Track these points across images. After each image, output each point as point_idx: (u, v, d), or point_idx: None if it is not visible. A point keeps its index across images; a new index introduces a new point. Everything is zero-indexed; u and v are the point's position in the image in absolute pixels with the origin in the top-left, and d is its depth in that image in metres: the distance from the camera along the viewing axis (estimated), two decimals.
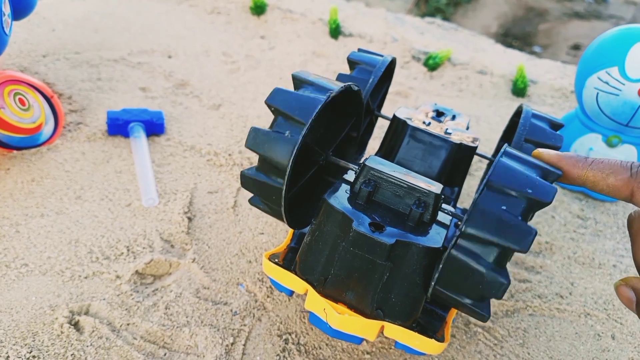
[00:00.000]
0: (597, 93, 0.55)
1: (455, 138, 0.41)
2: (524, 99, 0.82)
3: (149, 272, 0.43)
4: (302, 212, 0.37)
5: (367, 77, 0.42)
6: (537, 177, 0.28)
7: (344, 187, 0.34)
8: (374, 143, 0.65)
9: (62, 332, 0.37)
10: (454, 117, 0.46)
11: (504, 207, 0.27)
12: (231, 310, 0.41)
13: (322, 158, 0.37)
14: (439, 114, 0.46)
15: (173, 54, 0.77)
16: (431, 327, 0.35)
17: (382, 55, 0.45)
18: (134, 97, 0.65)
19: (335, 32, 0.88)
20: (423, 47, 0.90)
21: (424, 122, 0.43)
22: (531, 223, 0.57)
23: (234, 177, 0.55)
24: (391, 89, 0.79)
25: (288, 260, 0.37)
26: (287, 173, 0.31)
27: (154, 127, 0.57)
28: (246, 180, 0.34)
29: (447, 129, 0.42)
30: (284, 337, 0.40)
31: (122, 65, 0.71)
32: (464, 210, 0.44)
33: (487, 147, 0.69)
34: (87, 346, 0.36)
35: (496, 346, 0.42)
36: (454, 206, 0.42)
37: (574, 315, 0.47)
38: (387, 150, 0.45)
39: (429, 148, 0.41)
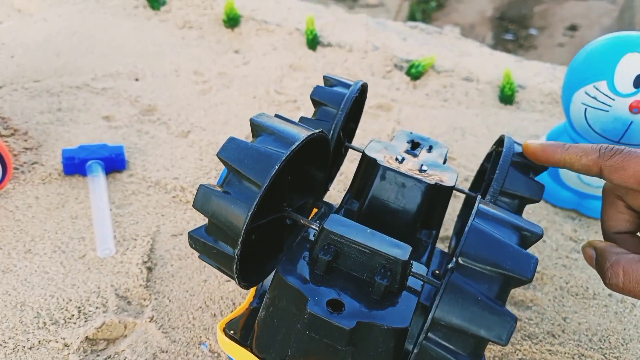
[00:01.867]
0: (586, 109, 0.51)
1: (431, 177, 0.37)
2: (512, 106, 0.79)
3: (101, 336, 0.39)
4: (259, 265, 0.33)
5: (331, 121, 0.38)
6: (515, 246, 0.25)
7: (302, 252, 0.31)
8: (349, 168, 0.61)
9: None
10: (430, 148, 0.42)
11: (477, 289, 0.23)
12: None
13: (281, 213, 0.33)
14: (414, 146, 0.42)
15: (140, 76, 0.73)
16: None
17: (349, 85, 0.41)
18: (96, 128, 0.61)
19: (313, 42, 0.84)
20: (405, 55, 0.86)
21: (396, 159, 0.39)
22: None
23: (200, 216, 0.51)
24: (372, 101, 0.75)
25: (248, 327, 0.33)
26: (240, 243, 0.27)
27: (114, 163, 0.53)
28: (194, 242, 0.30)
29: (422, 164, 0.39)
30: None
31: (85, 92, 0.67)
32: (442, 253, 0.40)
33: (473, 163, 0.66)
34: None
35: None
36: (432, 249, 0.39)
37: (567, 357, 0.43)
38: (358, 190, 0.41)
39: (402, 190, 0.37)
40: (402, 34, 0.94)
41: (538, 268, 0.51)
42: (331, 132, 0.38)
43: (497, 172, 0.34)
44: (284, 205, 0.32)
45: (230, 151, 0.28)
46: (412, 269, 0.29)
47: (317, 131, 0.30)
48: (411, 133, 0.44)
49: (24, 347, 0.37)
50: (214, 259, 0.29)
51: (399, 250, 0.28)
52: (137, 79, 0.72)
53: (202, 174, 0.57)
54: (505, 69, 0.81)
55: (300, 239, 0.32)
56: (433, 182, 0.37)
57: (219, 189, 0.28)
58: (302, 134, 0.29)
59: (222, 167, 0.58)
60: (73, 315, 0.40)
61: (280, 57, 0.83)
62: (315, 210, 0.42)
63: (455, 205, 0.58)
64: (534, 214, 0.59)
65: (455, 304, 0.23)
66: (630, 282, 0.29)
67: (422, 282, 0.30)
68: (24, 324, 0.39)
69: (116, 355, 0.38)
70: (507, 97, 0.78)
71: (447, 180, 0.37)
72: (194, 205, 0.28)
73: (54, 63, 0.72)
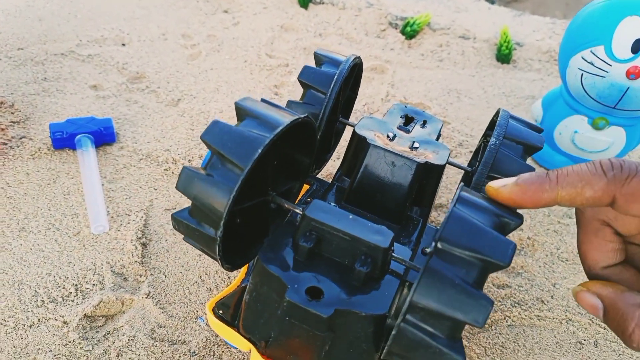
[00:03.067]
0: (582, 74, 0.50)
1: (421, 156, 0.37)
2: (508, 65, 0.77)
3: (100, 313, 0.40)
4: (244, 248, 0.34)
5: (319, 107, 0.37)
6: (494, 232, 0.25)
7: (286, 236, 0.31)
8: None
9: None
10: (424, 123, 0.42)
11: (455, 274, 0.24)
12: (189, 351, 0.39)
13: (265, 197, 0.33)
14: (407, 121, 0.41)
15: (127, 41, 0.71)
16: None
17: (339, 63, 0.40)
18: (84, 98, 0.60)
19: (305, 0, 0.81)
20: (400, 12, 0.83)
21: (387, 136, 0.39)
22: None
23: None
24: (367, 64, 0.74)
25: (238, 306, 0.34)
26: (222, 225, 0.27)
27: (103, 136, 0.53)
28: (178, 224, 0.30)
29: (414, 141, 0.38)
30: None
31: (70, 59, 0.65)
32: (436, 231, 0.40)
33: (468, 127, 0.65)
34: None
35: None
36: (423, 226, 0.39)
37: (555, 322, 0.44)
38: (349, 168, 0.41)
39: (392, 168, 0.37)
40: None
41: (529, 234, 0.52)
42: (319, 118, 0.37)
43: (485, 154, 0.34)
44: (268, 190, 0.32)
45: (214, 134, 0.28)
46: (393, 254, 0.29)
47: (302, 116, 0.30)
48: (406, 107, 0.43)
49: (24, 325, 0.38)
50: (197, 240, 0.29)
51: (380, 237, 0.28)
52: (123, 44, 0.70)
53: (193, 144, 0.57)
54: (503, 26, 0.78)
55: (286, 222, 0.32)
56: (423, 160, 0.36)
57: (202, 171, 0.28)
58: (287, 118, 0.29)
59: None
60: (70, 293, 0.41)
61: (271, 17, 0.80)
62: (307, 186, 0.42)
63: (455, 176, 0.58)
64: None
65: (433, 288, 0.23)
66: None
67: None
68: (23, 302, 0.40)
69: (115, 332, 0.39)
70: (504, 56, 0.76)
71: (438, 158, 0.37)
72: (177, 187, 0.28)
73: (37, 29, 0.69)
